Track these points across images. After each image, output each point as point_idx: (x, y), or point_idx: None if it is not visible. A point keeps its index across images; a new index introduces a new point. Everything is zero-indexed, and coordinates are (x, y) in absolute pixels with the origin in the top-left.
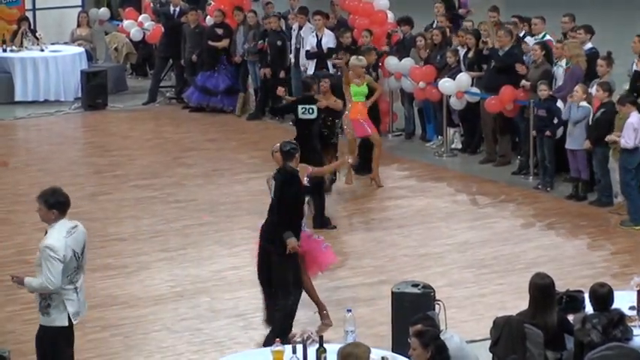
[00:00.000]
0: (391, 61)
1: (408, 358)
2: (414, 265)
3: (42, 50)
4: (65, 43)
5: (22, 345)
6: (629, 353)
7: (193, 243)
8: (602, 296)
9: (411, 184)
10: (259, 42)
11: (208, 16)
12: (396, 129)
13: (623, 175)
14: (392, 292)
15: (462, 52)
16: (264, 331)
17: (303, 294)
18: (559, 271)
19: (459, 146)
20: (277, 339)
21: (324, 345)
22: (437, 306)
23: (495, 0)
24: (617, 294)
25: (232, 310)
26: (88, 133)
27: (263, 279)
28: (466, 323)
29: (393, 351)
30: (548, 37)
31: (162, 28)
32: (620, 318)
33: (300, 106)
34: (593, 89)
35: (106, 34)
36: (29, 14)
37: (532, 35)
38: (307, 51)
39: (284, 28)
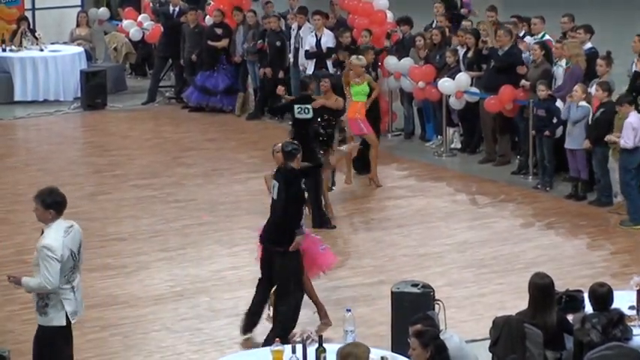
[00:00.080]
0: (390, 61)
1: (408, 357)
2: (413, 264)
3: (41, 50)
4: (64, 43)
5: (21, 345)
6: (629, 353)
7: (193, 243)
8: (602, 296)
9: (410, 184)
10: (259, 42)
11: (208, 16)
12: (396, 129)
13: (623, 174)
14: (391, 292)
15: (461, 51)
16: (264, 330)
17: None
18: (558, 271)
19: (459, 146)
20: (277, 339)
21: (324, 345)
22: (436, 306)
23: (494, 0)
24: (616, 294)
25: (232, 310)
26: (88, 132)
27: (264, 278)
28: (466, 323)
29: (392, 351)
30: (547, 36)
31: (162, 28)
32: (620, 318)
33: (296, 106)
34: (593, 89)
35: (106, 33)
36: (28, 14)
37: (531, 35)
38: (306, 51)
39: (283, 28)
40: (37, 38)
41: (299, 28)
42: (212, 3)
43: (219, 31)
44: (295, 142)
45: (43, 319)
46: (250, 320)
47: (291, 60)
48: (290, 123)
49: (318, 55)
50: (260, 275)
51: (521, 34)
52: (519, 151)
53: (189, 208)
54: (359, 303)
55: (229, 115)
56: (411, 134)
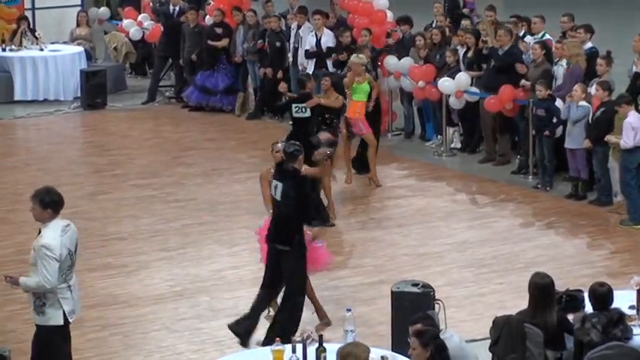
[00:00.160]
0: (390, 61)
1: (408, 357)
2: (413, 264)
3: (41, 50)
4: (64, 43)
5: (22, 344)
6: (629, 352)
7: (193, 242)
8: (602, 295)
9: (410, 184)
10: (259, 41)
11: (208, 16)
12: (396, 128)
13: (624, 174)
14: (391, 292)
15: (461, 51)
16: (264, 330)
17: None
18: (559, 271)
19: (459, 146)
20: (277, 338)
21: (324, 344)
22: (436, 305)
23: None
24: (616, 293)
25: (232, 310)
26: (88, 132)
27: (267, 280)
28: (465, 323)
29: (392, 350)
30: (547, 36)
31: (162, 28)
32: (620, 317)
33: (293, 105)
34: (593, 89)
35: (106, 33)
36: (28, 13)
37: (531, 34)
38: (307, 50)
39: (284, 27)
40: (37, 38)
41: (298, 27)
42: (212, 3)
43: (219, 30)
44: (297, 143)
45: (41, 318)
46: (246, 325)
47: (291, 59)
48: (290, 122)
49: (318, 54)
50: (263, 280)
51: (521, 34)
52: (519, 151)
53: (189, 207)
54: (359, 302)
55: (229, 115)
56: (411, 134)
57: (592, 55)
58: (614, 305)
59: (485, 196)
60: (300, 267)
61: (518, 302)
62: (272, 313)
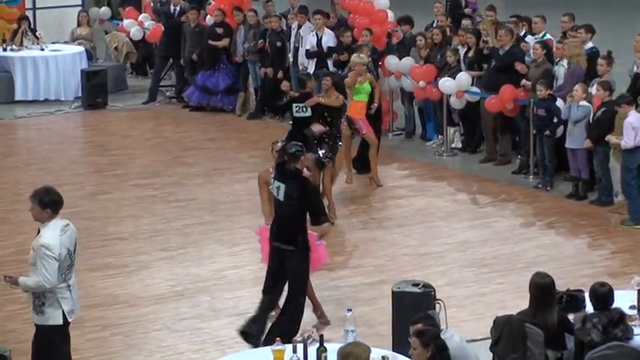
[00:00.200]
0: (391, 60)
1: (409, 357)
2: (414, 264)
3: (42, 49)
4: (65, 43)
5: (22, 344)
6: (630, 352)
7: (194, 242)
8: (603, 295)
9: (411, 184)
10: (259, 41)
11: (208, 16)
12: (397, 128)
13: (625, 174)
14: (392, 292)
15: (462, 51)
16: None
17: None
18: (559, 271)
19: (459, 145)
20: (278, 338)
21: (325, 344)
22: (437, 305)
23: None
24: (617, 293)
25: (233, 310)
26: (88, 132)
27: (269, 286)
28: (466, 322)
29: (393, 350)
30: (548, 36)
31: (163, 28)
32: (621, 317)
33: (294, 105)
34: (594, 88)
35: (106, 33)
36: (29, 13)
37: (532, 34)
38: (307, 50)
39: (284, 27)
40: (37, 38)
41: (299, 27)
42: (213, 2)
43: (220, 30)
44: (299, 143)
45: (40, 318)
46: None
47: (291, 59)
48: (290, 122)
49: (319, 54)
50: (264, 285)
51: (521, 34)
52: (520, 151)
53: (189, 207)
54: (360, 302)
55: (230, 115)
56: (412, 134)
57: (593, 55)
58: (615, 305)
59: (486, 196)
60: (303, 267)
61: (518, 302)
62: (273, 312)
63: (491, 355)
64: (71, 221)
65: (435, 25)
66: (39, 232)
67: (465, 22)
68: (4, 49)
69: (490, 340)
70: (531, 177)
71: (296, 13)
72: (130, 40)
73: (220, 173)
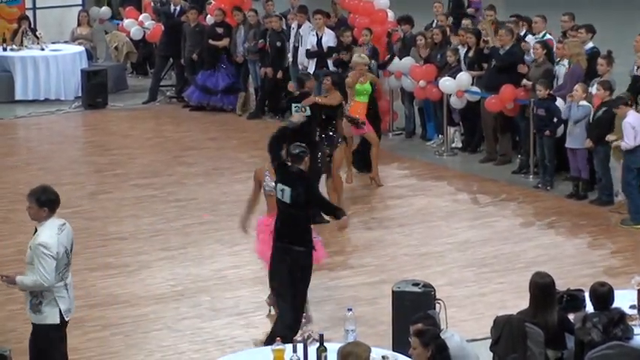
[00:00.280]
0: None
1: (409, 357)
2: (414, 264)
3: (42, 49)
4: (65, 42)
5: (22, 344)
6: (630, 352)
7: (194, 242)
8: (603, 295)
9: (411, 183)
10: (260, 41)
11: (209, 15)
12: (397, 128)
13: (626, 174)
14: (392, 291)
15: (462, 51)
16: (265, 329)
17: None
18: (559, 270)
19: (460, 145)
20: (278, 338)
21: (325, 344)
22: (437, 305)
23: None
24: (617, 293)
25: (233, 309)
26: (89, 132)
27: (280, 288)
28: (466, 322)
29: (393, 350)
30: (548, 36)
31: (163, 27)
32: (621, 317)
33: (293, 104)
34: (594, 88)
35: (106, 33)
36: (29, 13)
37: (532, 34)
38: (307, 50)
39: (284, 27)
40: (37, 37)
41: (299, 26)
42: (213, 2)
43: (220, 30)
44: (302, 144)
45: (37, 317)
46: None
47: (291, 59)
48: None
49: (319, 54)
50: (276, 290)
51: (522, 34)
52: (520, 151)
53: (190, 207)
54: (360, 302)
55: (230, 115)
56: (412, 133)
57: (593, 55)
58: (615, 305)
59: (486, 195)
60: (310, 266)
61: (519, 302)
62: (273, 312)
63: (491, 354)
64: (71, 221)
65: (434, 24)
66: (36, 230)
67: (466, 22)
68: (5, 49)
69: (490, 340)
70: (531, 177)
71: (295, 13)
72: (131, 39)
73: (220, 173)
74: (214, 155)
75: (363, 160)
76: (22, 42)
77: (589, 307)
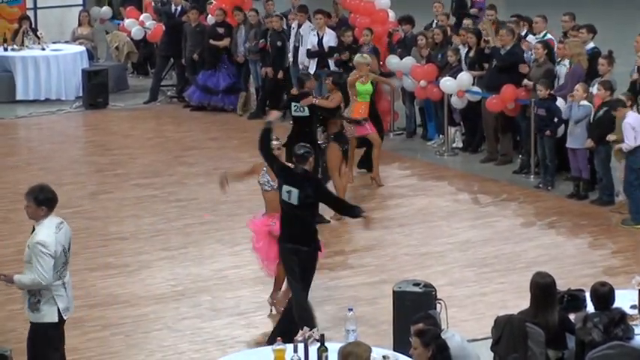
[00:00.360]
0: (392, 60)
1: (410, 357)
2: (415, 264)
3: (43, 49)
4: (66, 42)
5: (23, 344)
6: (631, 352)
7: (194, 242)
8: (604, 295)
9: (412, 183)
10: (260, 41)
11: (210, 15)
12: (397, 128)
13: (628, 174)
14: (393, 291)
15: (463, 51)
16: (265, 329)
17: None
18: (560, 270)
19: (460, 145)
20: (279, 338)
21: (326, 344)
22: (438, 305)
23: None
24: (618, 293)
25: (234, 309)
26: (89, 131)
27: (300, 280)
28: (467, 322)
29: (394, 350)
30: (549, 36)
31: (164, 27)
32: (622, 317)
33: (292, 104)
34: (595, 88)
35: (107, 33)
36: (30, 13)
37: (533, 34)
38: (308, 50)
39: (285, 27)
40: (38, 37)
41: (299, 26)
42: (214, 2)
43: (221, 30)
44: (307, 145)
45: (35, 315)
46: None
47: (291, 59)
48: (290, 122)
49: (320, 54)
50: (294, 284)
51: (523, 34)
52: (521, 151)
53: (190, 207)
54: (361, 302)
55: (231, 114)
56: (413, 133)
57: (594, 55)
58: (616, 305)
59: (487, 195)
60: (314, 266)
61: (519, 302)
62: (274, 312)
63: (492, 354)
64: (72, 221)
65: (434, 25)
66: (34, 229)
67: (467, 22)
68: (5, 49)
69: (491, 340)
70: (532, 177)
71: (295, 12)
72: (131, 39)
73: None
74: (215, 155)
75: (363, 160)
76: (22, 42)
77: (590, 307)
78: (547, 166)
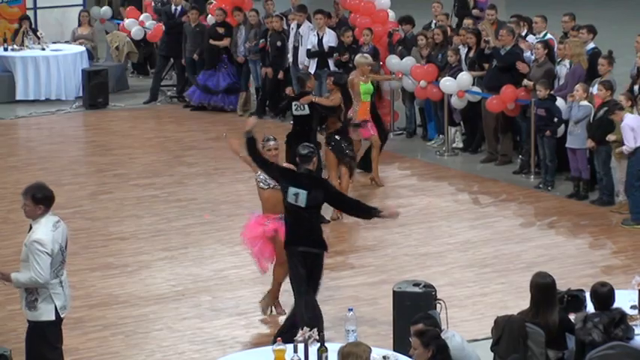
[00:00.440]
0: (392, 60)
1: (410, 357)
2: (415, 264)
3: (43, 49)
4: (66, 42)
5: (23, 344)
6: (631, 352)
7: (194, 242)
8: (604, 295)
9: (412, 183)
10: (261, 41)
11: (210, 15)
12: (398, 128)
13: (630, 175)
14: (393, 292)
15: (463, 51)
16: (265, 329)
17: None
18: (560, 270)
19: (460, 145)
20: (279, 338)
21: (326, 344)
22: (438, 305)
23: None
24: (618, 293)
25: (233, 309)
26: (89, 132)
27: (295, 284)
28: (467, 322)
29: (394, 350)
30: (549, 35)
31: (164, 27)
32: (622, 317)
33: (293, 103)
34: (595, 88)
35: (107, 33)
36: (30, 13)
37: (533, 34)
38: (308, 50)
39: (285, 27)
40: (38, 37)
41: (298, 26)
42: (214, 2)
43: (221, 30)
44: (311, 145)
45: (33, 313)
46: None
47: (291, 59)
48: (291, 122)
49: (320, 54)
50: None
51: (523, 34)
52: (521, 151)
53: (190, 207)
54: (361, 302)
55: (231, 114)
56: (413, 133)
57: (594, 55)
58: (616, 305)
59: (487, 195)
60: (322, 267)
61: (519, 302)
62: (274, 312)
63: (492, 355)
64: (72, 221)
65: (433, 25)
66: (31, 228)
67: (467, 22)
68: (6, 49)
69: (491, 340)
70: (532, 177)
71: (295, 12)
72: (131, 39)
73: (221, 173)
74: (215, 155)
75: (363, 161)
76: (23, 42)
77: (590, 308)
78: (547, 167)
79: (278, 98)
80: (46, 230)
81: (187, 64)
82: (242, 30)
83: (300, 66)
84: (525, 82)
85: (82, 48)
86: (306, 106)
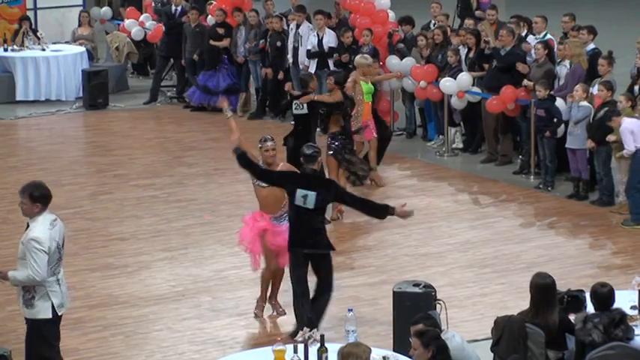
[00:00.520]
0: (392, 61)
1: (409, 357)
2: (415, 264)
3: (43, 50)
4: (66, 43)
5: (23, 344)
6: (631, 353)
7: (194, 242)
8: (604, 296)
9: (412, 184)
10: (260, 41)
11: (210, 16)
12: (398, 128)
13: (632, 177)
14: (393, 292)
15: (463, 51)
16: (265, 329)
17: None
18: (560, 271)
19: (460, 146)
20: (279, 338)
21: (326, 344)
22: (438, 305)
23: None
24: (618, 293)
25: (233, 310)
26: (89, 132)
27: (304, 288)
28: (467, 323)
29: (394, 350)
30: (549, 36)
31: (164, 28)
32: (622, 317)
33: (293, 102)
34: (595, 89)
35: (107, 33)
36: (30, 14)
37: (533, 34)
38: (308, 50)
39: (285, 27)
40: (38, 38)
41: (297, 27)
42: (214, 2)
43: (221, 30)
44: (315, 145)
45: (30, 311)
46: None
47: (291, 59)
48: (292, 122)
49: (320, 54)
50: (303, 288)
51: (523, 34)
52: (521, 151)
53: (190, 207)
54: (361, 303)
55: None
56: (413, 134)
57: (594, 56)
58: (616, 305)
59: (487, 196)
60: (332, 266)
61: (519, 302)
62: (275, 313)
63: (492, 355)
64: (72, 221)
65: (432, 25)
66: (28, 226)
67: (468, 22)
68: (6, 50)
69: (491, 341)
70: (532, 177)
71: (294, 13)
72: (131, 40)
73: (221, 173)
74: (215, 156)
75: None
76: (23, 42)
77: (590, 308)
78: (547, 167)
79: (278, 98)
80: (43, 228)
81: (187, 64)
82: (242, 30)
83: (301, 66)
84: (525, 82)
85: (82, 48)
86: (305, 106)
